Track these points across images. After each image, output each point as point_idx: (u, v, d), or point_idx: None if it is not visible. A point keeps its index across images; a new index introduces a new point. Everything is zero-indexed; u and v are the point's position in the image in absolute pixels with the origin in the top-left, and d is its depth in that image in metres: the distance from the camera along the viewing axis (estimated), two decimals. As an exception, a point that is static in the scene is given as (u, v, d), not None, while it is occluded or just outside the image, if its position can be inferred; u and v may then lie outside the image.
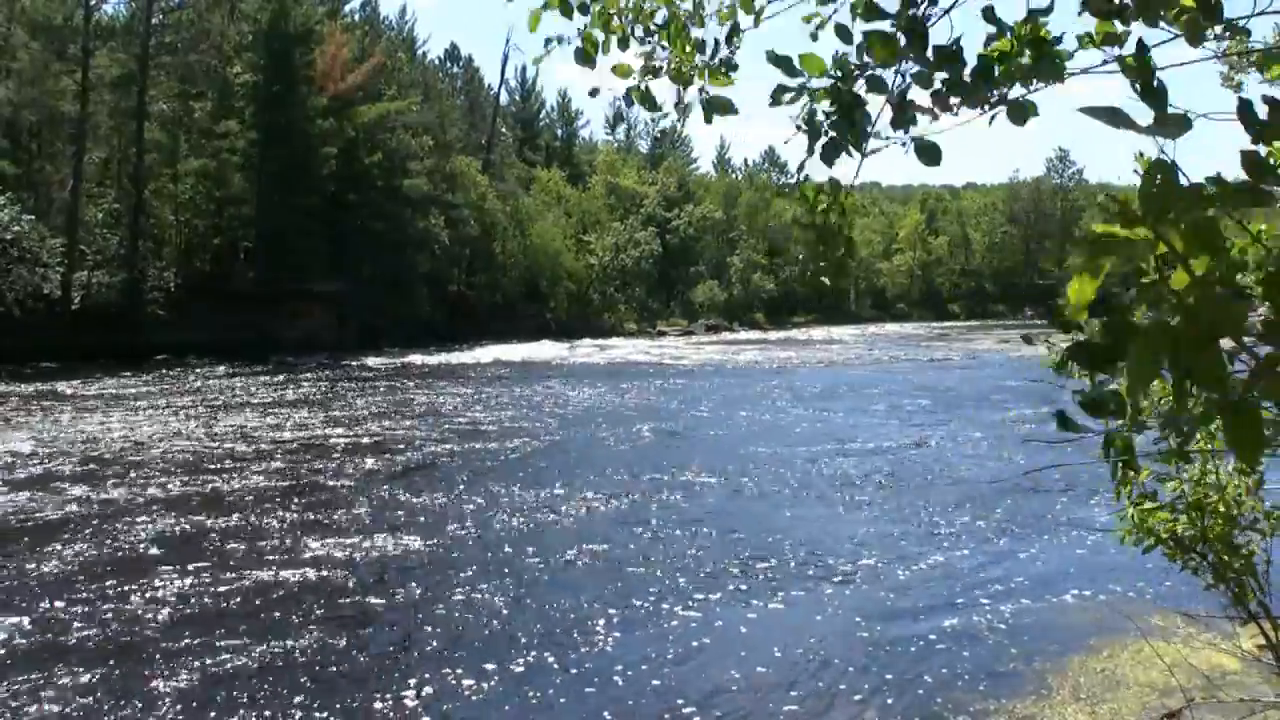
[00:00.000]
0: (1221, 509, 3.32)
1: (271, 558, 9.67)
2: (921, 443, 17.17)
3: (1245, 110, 1.41)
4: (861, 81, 2.03)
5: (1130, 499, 3.47)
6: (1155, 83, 1.62)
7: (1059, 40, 1.97)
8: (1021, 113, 1.98)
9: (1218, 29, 1.90)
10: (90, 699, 6.35)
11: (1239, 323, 1.24)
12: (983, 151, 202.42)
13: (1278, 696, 4.99)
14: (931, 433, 18.32)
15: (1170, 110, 1.53)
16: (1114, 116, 1.37)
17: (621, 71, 2.36)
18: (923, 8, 1.97)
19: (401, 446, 16.63)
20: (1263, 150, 1.40)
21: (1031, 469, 10.62)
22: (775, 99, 2.07)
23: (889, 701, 6.38)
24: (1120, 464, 3.40)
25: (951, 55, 1.89)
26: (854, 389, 26.92)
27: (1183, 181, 1.27)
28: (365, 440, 17.31)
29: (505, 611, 8.18)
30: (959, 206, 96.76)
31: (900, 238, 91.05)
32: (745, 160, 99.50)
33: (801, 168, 2.07)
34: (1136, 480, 3.38)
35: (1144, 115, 1.50)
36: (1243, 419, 1.30)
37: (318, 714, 6.21)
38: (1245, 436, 1.31)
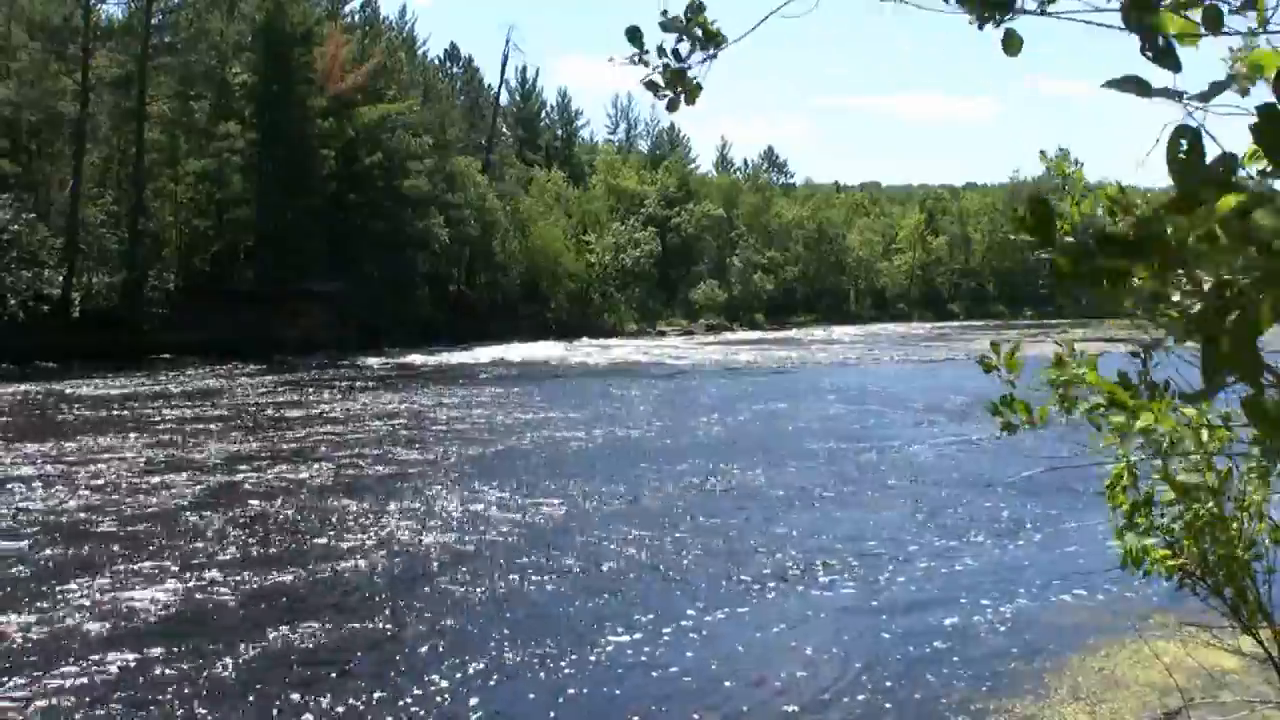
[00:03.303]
0: (1221, 542, 3.32)
1: (269, 558, 9.68)
2: (920, 443, 17.17)
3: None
4: None
5: (1124, 520, 3.46)
6: (1163, 41, 1.52)
7: None
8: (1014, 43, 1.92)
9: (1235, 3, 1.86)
10: (88, 694, 6.35)
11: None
12: (983, 151, 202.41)
13: (1278, 697, 4.99)
14: (930, 433, 18.32)
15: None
16: (1136, 84, 1.32)
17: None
18: None
19: (404, 447, 16.63)
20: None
21: (1030, 471, 10.62)
22: None
23: (889, 700, 6.39)
24: (1115, 484, 3.40)
25: None
26: (853, 389, 26.92)
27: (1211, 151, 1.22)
28: (367, 441, 17.30)
29: (510, 612, 8.19)
30: (959, 206, 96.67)
31: (900, 238, 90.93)
32: (745, 160, 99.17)
33: None
34: (1134, 491, 3.37)
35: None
36: (1261, 410, 1.28)
37: (318, 712, 6.22)
38: (1274, 430, 1.29)
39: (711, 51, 2.24)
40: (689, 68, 2.24)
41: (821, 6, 2.35)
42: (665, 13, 2.21)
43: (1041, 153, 3.87)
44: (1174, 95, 1.35)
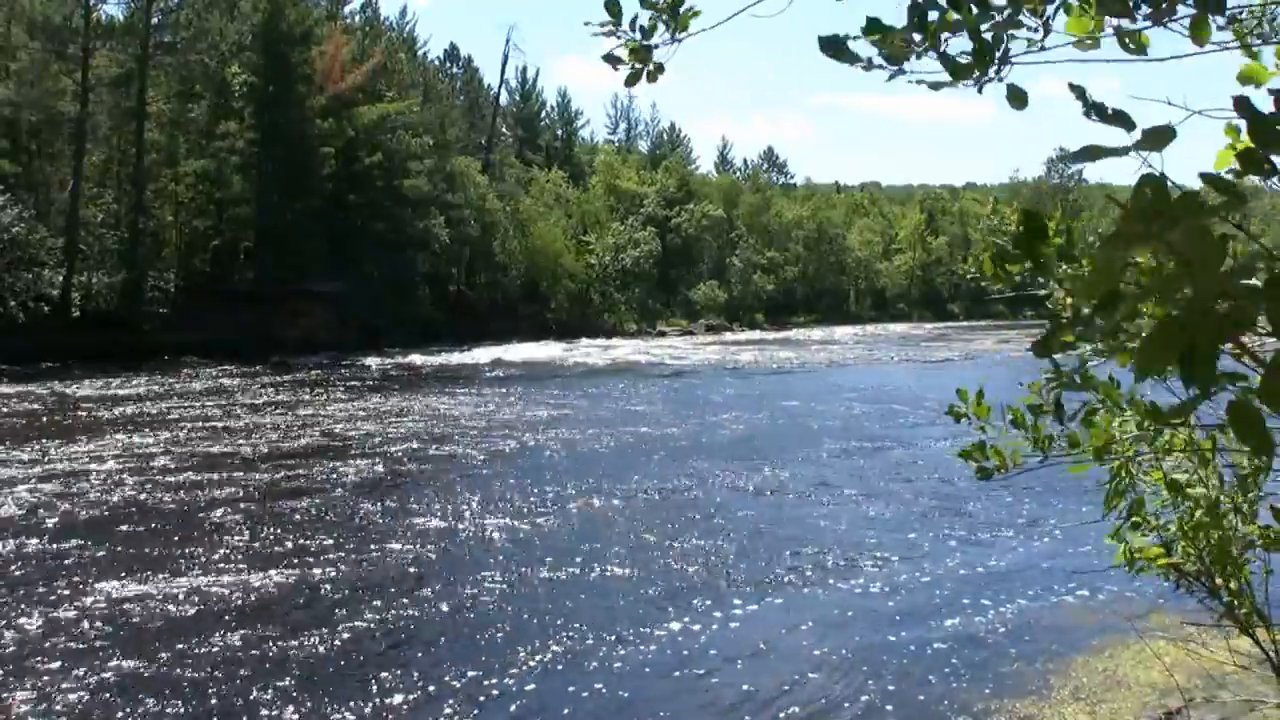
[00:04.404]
0: (1215, 542, 3.31)
1: (277, 558, 9.68)
2: (920, 442, 17.17)
3: (1244, 103, 1.42)
4: None
5: (1121, 524, 3.46)
6: (1110, 109, 1.62)
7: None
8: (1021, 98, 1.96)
9: (1221, 20, 1.89)
10: (95, 693, 6.35)
11: (1253, 318, 1.25)
12: (983, 151, 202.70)
13: (1277, 697, 4.99)
14: (931, 432, 18.31)
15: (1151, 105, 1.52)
16: (1090, 153, 1.39)
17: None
18: None
19: (404, 448, 16.63)
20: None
21: (1030, 469, 10.60)
22: None
23: (891, 701, 6.39)
24: (1111, 486, 3.40)
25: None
26: (854, 389, 26.92)
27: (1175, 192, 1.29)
28: (367, 441, 17.30)
29: (512, 613, 8.19)
30: (959, 207, 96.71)
31: (900, 238, 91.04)
32: (745, 160, 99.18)
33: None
34: (1130, 493, 3.37)
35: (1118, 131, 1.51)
36: (1245, 417, 1.31)
37: (316, 714, 6.22)
38: (1252, 434, 1.32)
39: (680, 36, 2.26)
40: (656, 46, 2.28)
41: (821, 7, 2.39)
42: None
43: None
44: (1124, 152, 1.42)
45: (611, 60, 2.30)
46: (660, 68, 2.28)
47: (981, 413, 3.12)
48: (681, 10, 2.23)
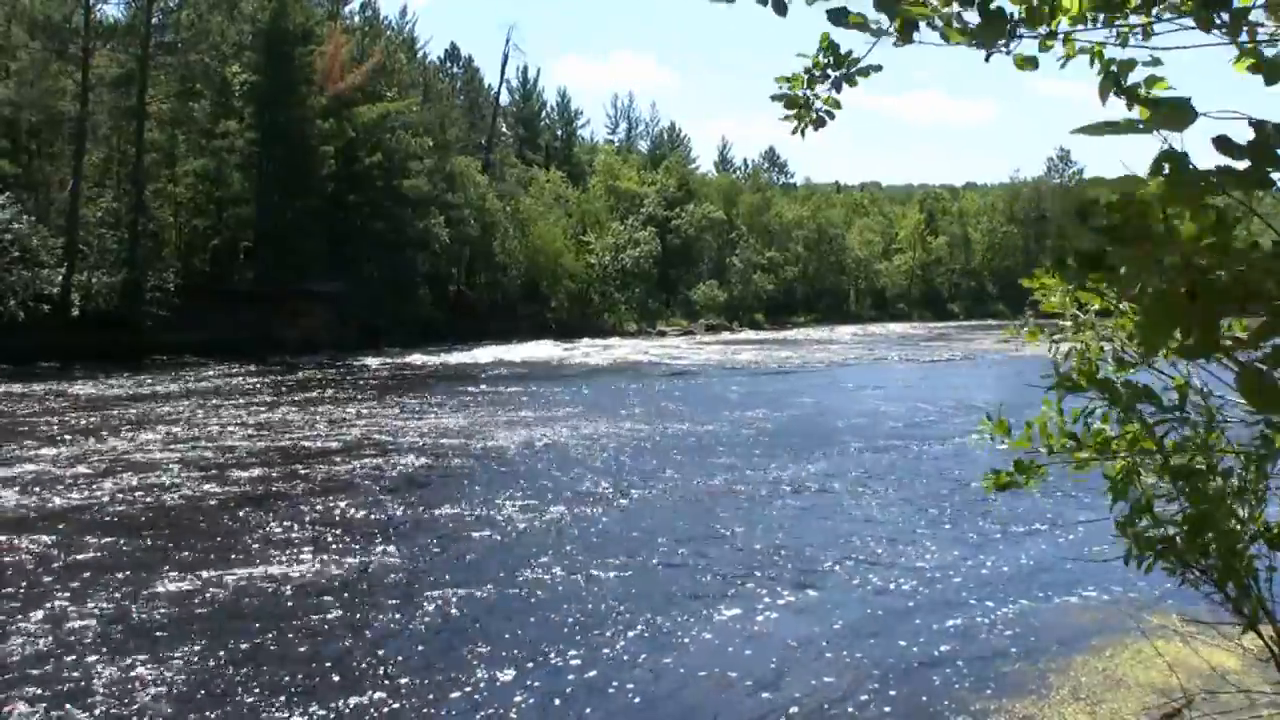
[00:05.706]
0: (1221, 535, 3.30)
1: (276, 558, 9.67)
2: (920, 441, 17.17)
3: (1225, 142, 1.41)
4: None
5: (1126, 515, 3.45)
6: (1127, 81, 1.64)
7: None
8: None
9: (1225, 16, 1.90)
10: (100, 693, 6.35)
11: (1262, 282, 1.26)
12: (983, 151, 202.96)
13: (1278, 696, 4.98)
14: (930, 432, 18.32)
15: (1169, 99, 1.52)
16: (1109, 127, 1.40)
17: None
18: None
19: (412, 447, 16.63)
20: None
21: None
22: None
23: (890, 700, 6.39)
24: (1117, 480, 3.40)
25: None
26: (854, 388, 26.92)
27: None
28: (374, 441, 17.30)
29: (533, 610, 8.19)
30: (959, 206, 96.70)
31: (900, 238, 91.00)
32: (745, 160, 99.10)
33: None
34: (1135, 489, 3.36)
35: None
36: (1251, 378, 1.33)
37: (311, 710, 6.22)
38: (1264, 398, 1.33)
39: (840, 90, 2.71)
40: (815, 100, 2.78)
41: (820, 9, 2.53)
42: (817, 60, 2.68)
43: None
44: (1145, 129, 1.45)
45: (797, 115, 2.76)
46: (831, 115, 2.76)
47: (1004, 428, 3.25)
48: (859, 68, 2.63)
